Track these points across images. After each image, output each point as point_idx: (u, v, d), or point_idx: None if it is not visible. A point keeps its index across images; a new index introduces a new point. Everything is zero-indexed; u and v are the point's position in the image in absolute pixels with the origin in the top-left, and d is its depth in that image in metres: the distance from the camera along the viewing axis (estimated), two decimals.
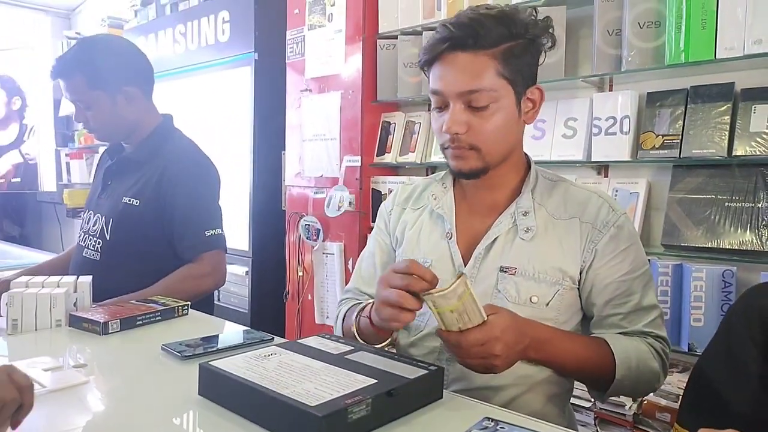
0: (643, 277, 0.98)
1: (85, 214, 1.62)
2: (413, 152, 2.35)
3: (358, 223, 2.46)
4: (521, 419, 0.75)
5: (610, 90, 1.88)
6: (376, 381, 0.75)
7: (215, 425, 0.74)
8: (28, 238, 4.80)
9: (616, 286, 0.96)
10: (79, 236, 1.61)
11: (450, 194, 1.08)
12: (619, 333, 0.97)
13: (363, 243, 2.47)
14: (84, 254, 1.55)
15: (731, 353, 0.76)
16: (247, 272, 2.92)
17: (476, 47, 0.92)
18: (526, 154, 1.07)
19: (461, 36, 0.92)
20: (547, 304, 0.96)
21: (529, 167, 1.05)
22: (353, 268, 2.45)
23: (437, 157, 2.29)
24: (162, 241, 1.51)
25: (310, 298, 2.67)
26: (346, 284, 2.50)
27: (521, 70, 0.95)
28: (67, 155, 4.36)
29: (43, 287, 1.19)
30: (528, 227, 0.98)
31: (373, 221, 2.45)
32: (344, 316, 1.09)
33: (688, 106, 1.68)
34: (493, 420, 0.71)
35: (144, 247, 1.50)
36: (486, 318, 0.80)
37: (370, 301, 0.99)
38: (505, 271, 0.97)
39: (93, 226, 1.56)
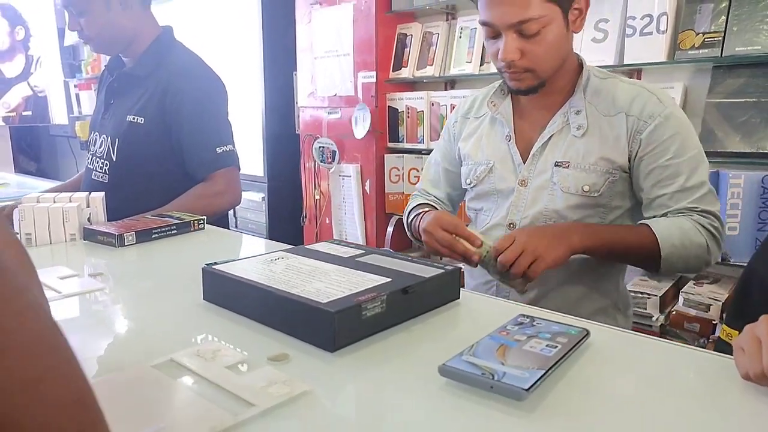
0: (691, 160, 1.00)
1: (92, 136, 1.56)
2: (431, 65, 2.23)
3: (375, 143, 2.39)
4: (555, 315, 0.72)
5: None
6: (389, 279, 0.72)
7: (223, 328, 0.70)
8: (45, 173, 4.82)
9: (661, 170, 1.00)
10: (87, 159, 1.57)
11: (508, 100, 1.14)
12: (666, 213, 1.01)
13: (380, 163, 2.41)
14: (93, 177, 1.51)
15: None
16: (263, 198, 2.89)
17: None
18: (578, 55, 1.09)
19: None
20: (599, 192, 1.03)
21: (581, 68, 1.08)
22: (371, 189, 2.42)
23: (457, 69, 2.17)
24: (171, 160, 1.46)
25: (328, 221, 2.64)
26: (364, 206, 2.48)
27: None
28: (75, 86, 4.28)
29: (54, 202, 1.16)
30: (579, 125, 1.05)
31: (390, 141, 2.40)
32: (411, 209, 1.25)
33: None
34: (528, 316, 0.67)
35: (152, 166, 1.45)
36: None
37: (427, 210, 1.15)
38: (560, 165, 1.05)
39: (99, 147, 1.51)
